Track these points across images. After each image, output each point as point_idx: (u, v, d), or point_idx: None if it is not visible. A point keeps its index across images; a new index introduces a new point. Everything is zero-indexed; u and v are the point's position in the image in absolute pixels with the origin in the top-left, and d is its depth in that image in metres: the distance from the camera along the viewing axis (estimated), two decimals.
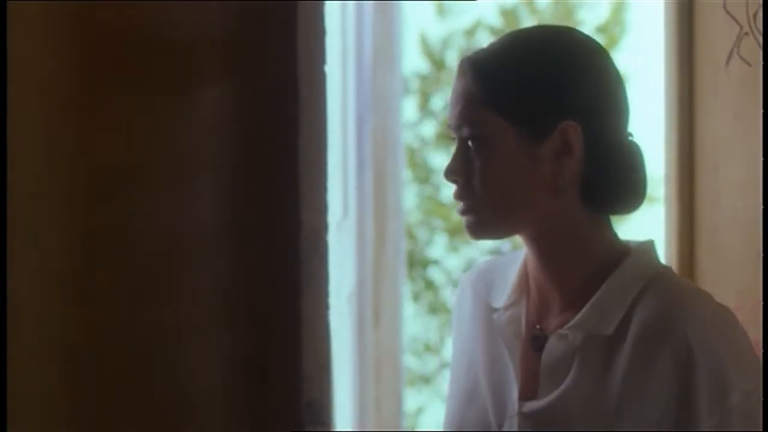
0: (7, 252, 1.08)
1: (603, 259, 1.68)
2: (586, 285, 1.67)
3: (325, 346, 1.13)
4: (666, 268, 1.72)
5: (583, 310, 1.65)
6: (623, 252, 1.68)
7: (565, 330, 1.66)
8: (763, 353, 1.55)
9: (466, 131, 1.66)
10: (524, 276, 1.75)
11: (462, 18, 6.19)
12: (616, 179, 1.66)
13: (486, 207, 1.66)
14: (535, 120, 1.64)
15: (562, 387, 1.65)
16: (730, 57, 2.19)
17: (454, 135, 1.69)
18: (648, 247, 1.71)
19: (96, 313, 1.12)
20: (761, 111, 2.06)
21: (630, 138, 1.69)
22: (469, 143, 1.66)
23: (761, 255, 2.04)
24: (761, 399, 1.58)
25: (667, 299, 1.63)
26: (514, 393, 1.69)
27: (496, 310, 1.76)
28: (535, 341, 1.70)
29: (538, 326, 1.71)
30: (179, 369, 1.13)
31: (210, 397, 1.14)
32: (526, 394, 1.69)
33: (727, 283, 2.19)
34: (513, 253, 1.82)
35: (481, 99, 1.65)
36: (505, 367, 1.72)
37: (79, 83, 1.11)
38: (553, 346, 1.67)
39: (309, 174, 1.12)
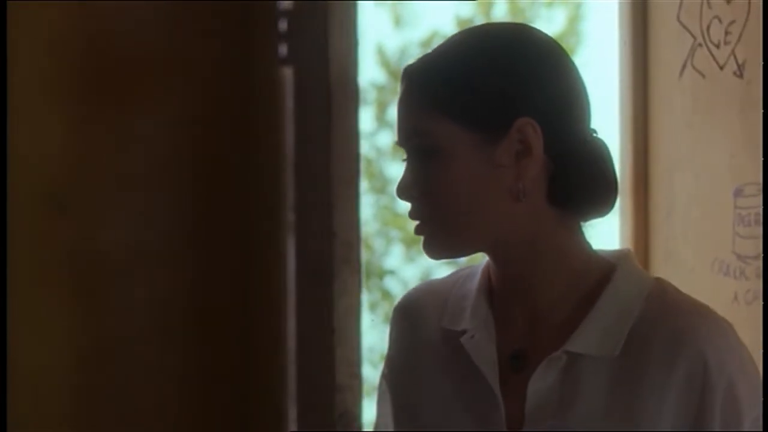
0: None
1: (583, 270, 1.54)
2: (567, 300, 1.53)
3: (358, 356, 1.11)
4: (661, 280, 1.57)
5: (580, 329, 1.50)
6: (604, 263, 1.54)
7: (559, 352, 1.50)
8: (763, 353, 1.52)
9: (414, 142, 1.52)
10: (487, 293, 1.58)
11: (419, 28, 6.21)
12: (583, 178, 1.51)
13: (443, 223, 1.50)
14: (486, 120, 1.48)
15: (561, 413, 1.49)
16: (683, 68, 2.20)
17: (404, 153, 1.54)
18: (632, 257, 1.58)
19: (97, 318, 1.11)
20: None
21: (594, 135, 1.54)
22: (420, 156, 1.51)
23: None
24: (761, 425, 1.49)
25: (675, 316, 1.50)
26: (501, 421, 1.52)
27: (459, 333, 1.57)
28: (515, 362, 1.54)
29: (515, 347, 1.54)
30: (191, 381, 1.12)
31: (228, 408, 1.12)
32: (512, 423, 1.52)
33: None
34: (462, 270, 1.66)
35: (424, 105, 1.50)
36: (482, 395, 1.54)
37: (44, 93, 1.10)
38: (543, 370, 1.50)
39: (342, 187, 1.10)
